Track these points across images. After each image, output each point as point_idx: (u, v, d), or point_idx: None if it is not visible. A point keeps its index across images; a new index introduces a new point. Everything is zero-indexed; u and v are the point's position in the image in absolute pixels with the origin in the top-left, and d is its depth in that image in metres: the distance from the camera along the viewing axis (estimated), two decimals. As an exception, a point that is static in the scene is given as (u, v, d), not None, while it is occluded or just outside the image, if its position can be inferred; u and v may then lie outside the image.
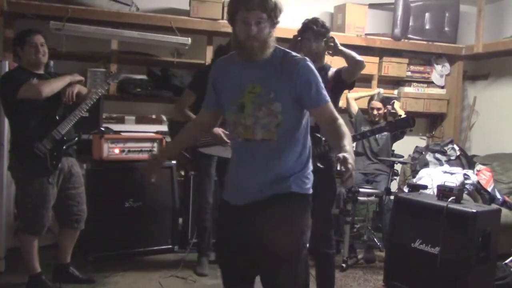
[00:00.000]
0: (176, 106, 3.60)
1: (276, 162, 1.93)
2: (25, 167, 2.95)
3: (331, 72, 2.91)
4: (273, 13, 1.90)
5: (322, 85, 1.94)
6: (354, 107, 4.74)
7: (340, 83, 2.87)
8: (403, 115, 4.53)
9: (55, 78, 2.99)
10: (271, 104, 1.89)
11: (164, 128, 4.54)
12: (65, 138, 3.00)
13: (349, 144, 1.84)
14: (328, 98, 1.95)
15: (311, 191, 2.01)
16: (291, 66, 1.91)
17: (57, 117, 2.99)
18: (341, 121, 1.93)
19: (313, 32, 2.81)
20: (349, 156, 1.74)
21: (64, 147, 3.01)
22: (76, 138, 3.15)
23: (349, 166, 1.72)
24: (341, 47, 2.83)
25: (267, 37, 1.91)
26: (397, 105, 4.87)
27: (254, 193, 1.94)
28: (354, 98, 4.78)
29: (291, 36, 5.07)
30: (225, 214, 2.08)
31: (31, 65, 3.00)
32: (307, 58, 1.97)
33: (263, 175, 1.94)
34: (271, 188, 1.92)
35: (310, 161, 2.04)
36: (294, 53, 1.99)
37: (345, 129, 1.91)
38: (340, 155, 1.74)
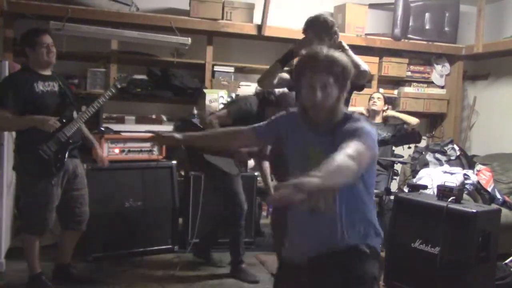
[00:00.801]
0: (210, 119, 3.38)
1: (340, 225, 1.80)
2: (29, 168, 2.94)
3: None
4: (341, 76, 1.77)
5: (375, 147, 1.72)
6: None
7: None
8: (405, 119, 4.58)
9: (17, 118, 2.87)
10: None
11: (163, 128, 4.55)
12: (70, 140, 2.99)
13: (327, 174, 1.46)
14: (365, 141, 1.67)
15: (379, 246, 1.89)
16: (349, 133, 1.72)
17: (64, 120, 2.97)
18: (349, 160, 1.55)
19: (315, 30, 2.76)
20: (304, 181, 1.38)
21: (69, 149, 2.99)
22: (81, 141, 3.14)
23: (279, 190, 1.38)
24: (349, 53, 2.74)
25: (334, 103, 1.79)
26: (394, 112, 4.86)
27: (317, 249, 1.83)
28: None
29: (291, 36, 5.10)
30: (284, 274, 1.98)
31: (40, 66, 2.98)
32: (368, 123, 1.78)
33: (328, 237, 1.82)
34: (336, 245, 1.81)
35: (375, 217, 1.90)
36: (357, 117, 1.81)
37: (344, 162, 1.53)
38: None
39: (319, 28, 2.77)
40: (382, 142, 3.01)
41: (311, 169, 1.57)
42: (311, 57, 1.79)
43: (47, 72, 3.03)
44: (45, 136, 2.89)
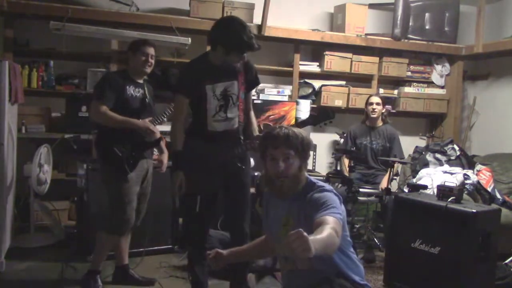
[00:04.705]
0: None
1: (317, 279, 1.96)
2: (107, 167, 3.03)
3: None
4: (300, 148, 1.97)
5: (342, 213, 1.88)
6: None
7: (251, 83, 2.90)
8: None
9: (118, 117, 2.95)
10: None
11: (163, 128, 4.54)
12: (146, 140, 3.07)
13: (319, 242, 1.57)
14: (338, 216, 1.80)
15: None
16: (314, 201, 1.91)
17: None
18: (332, 231, 1.68)
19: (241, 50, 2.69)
20: (308, 241, 1.48)
21: (143, 148, 3.08)
22: (157, 139, 3.17)
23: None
24: None
25: (296, 172, 1.98)
26: None
27: None
28: None
29: (291, 36, 5.10)
30: None
31: (135, 73, 3.10)
32: (332, 191, 1.96)
33: None
34: None
35: (356, 272, 2.03)
36: (320, 185, 1.99)
37: (329, 233, 1.65)
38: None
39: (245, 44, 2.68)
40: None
41: (284, 237, 1.75)
42: (271, 135, 2.00)
43: (140, 80, 3.15)
44: (121, 136, 2.98)
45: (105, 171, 3.08)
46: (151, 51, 3.10)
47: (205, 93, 2.68)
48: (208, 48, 4.80)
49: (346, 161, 4.57)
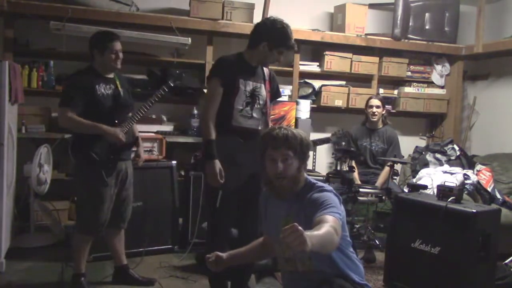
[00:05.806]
0: None
1: (317, 281, 1.96)
2: (82, 169, 2.98)
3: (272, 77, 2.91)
4: (299, 148, 1.99)
5: (342, 213, 1.90)
6: None
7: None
8: None
9: (86, 123, 2.87)
10: None
11: (164, 128, 4.55)
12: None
13: (316, 237, 1.59)
14: (338, 216, 1.83)
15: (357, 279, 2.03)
16: (314, 201, 1.92)
17: (116, 121, 2.98)
18: (331, 228, 1.70)
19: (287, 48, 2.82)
20: (304, 236, 1.47)
21: (121, 150, 3.01)
22: (130, 142, 3.11)
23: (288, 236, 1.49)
24: None
25: (295, 173, 1.99)
26: None
27: None
28: None
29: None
30: None
31: (105, 70, 3.02)
32: (331, 191, 1.98)
33: None
34: None
35: (352, 270, 2.03)
36: (320, 185, 2.00)
37: (327, 230, 1.67)
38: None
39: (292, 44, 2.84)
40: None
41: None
42: (270, 136, 2.02)
43: (110, 75, 3.05)
44: (97, 138, 2.91)
45: (81, 174, 3.01)
46: (118, 46, 2.99)
47: (238, 86, 2.69)
48: (210, 47, 4.86)
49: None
